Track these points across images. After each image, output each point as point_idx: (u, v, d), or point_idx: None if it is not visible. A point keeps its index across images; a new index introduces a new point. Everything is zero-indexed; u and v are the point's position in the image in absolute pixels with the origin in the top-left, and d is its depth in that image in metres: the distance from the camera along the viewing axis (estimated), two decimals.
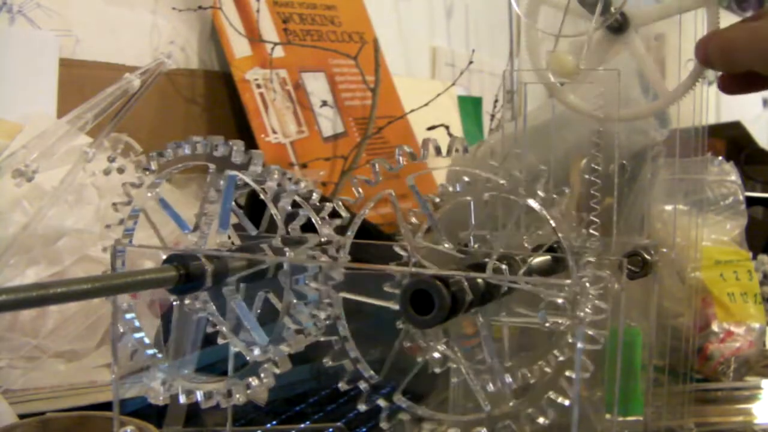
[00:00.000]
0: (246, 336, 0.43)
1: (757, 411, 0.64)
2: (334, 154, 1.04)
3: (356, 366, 0.42)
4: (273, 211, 0.42)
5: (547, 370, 0.38)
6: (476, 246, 0.41)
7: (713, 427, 0.60)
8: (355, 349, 0.42)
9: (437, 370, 0.40)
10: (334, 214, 0.43)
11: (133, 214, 0.45)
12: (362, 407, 0.42)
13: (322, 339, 0.42)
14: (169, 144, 0.43)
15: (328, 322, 0.42)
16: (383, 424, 0.41)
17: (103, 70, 0.88)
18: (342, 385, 0.42)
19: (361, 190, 0.41)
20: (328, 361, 0.42)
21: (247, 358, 0.43)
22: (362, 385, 0.42)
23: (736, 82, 0.48)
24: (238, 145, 0.42)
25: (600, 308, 0.35)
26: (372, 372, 0.42)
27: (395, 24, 1.38)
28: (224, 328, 0.43)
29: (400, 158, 0.39)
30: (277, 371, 0.42)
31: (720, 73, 0.48)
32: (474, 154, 0.40)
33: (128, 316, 0.44)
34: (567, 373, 0.36)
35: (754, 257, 0.86)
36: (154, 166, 0.44)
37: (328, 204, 0.43)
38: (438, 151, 0.39)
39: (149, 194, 0.44)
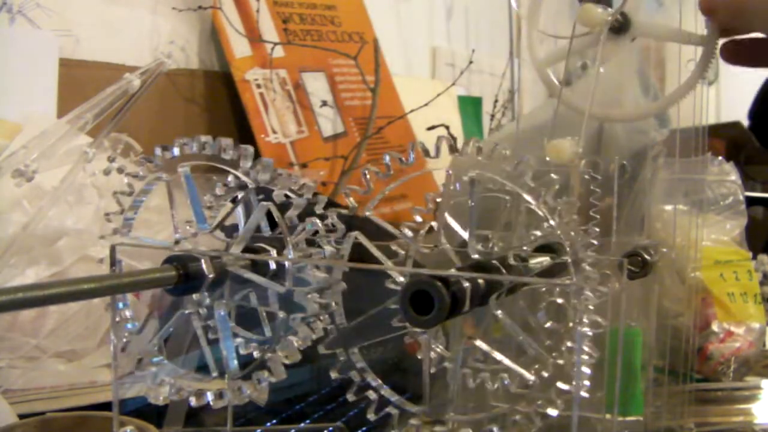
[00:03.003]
0: (245, 334, 0.43)
1: (757, 411, 0.64)
2: (334, 154, 1.04)
3: (363, 376, 0.42)
4: (278, 219, 0.41)
5: (560, 362, 0.38)
6: (478, 246, 0.41)
7: (713, 427, 0.60)
8: (361, 359, 0.42)
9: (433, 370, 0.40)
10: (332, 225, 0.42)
11: (135, 205, 0.44)
12: (372, 416, 0.42)
13: (327, 352, 0.42)
14: (175, 140, 0.43)
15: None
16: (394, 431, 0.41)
17: (103, 70, 0.88)
18: (350, 396, 0.42)
19: (371, 183, 0.40)
20: (335, 374, 0.42)
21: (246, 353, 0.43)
22: (371, 395, 0.42)
23: (741, 51, 0.46)
24: (248, 152, 0.41)
25: (599, 307, 0.35)
26: (380, 381, 0.42)
27: (395, 24, 1.38)
28: (223, 328, 0.43)
29: (390, 164, 0.39)
30: (273, 379, 0.42)
31: (724, 40, 0.46)
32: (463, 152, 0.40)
33: (122, 306, 0.44)
34: (569, 343, 0.36)
35: (754, 257, 0.86)
36: (158, 160, 0.44)
37: (330, 211, 0.42)
38: (452, 149, 0.39)
39: (180, 169, 0.43)
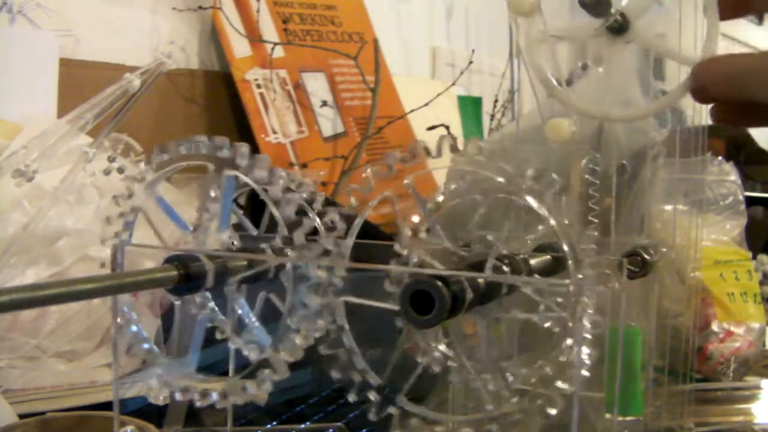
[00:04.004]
0: (246, 336, 0.43)
1: (757, 411, 0.64)
2: (334, 154, 1.04)
3: (364, 377, 0.42)
4: (276, 215, 0.41)
5: (548, 370, 0.38)
6: (477, 246, 0.41)
7: (713, 427, 0.60)
8: (362, 360, 0.42)
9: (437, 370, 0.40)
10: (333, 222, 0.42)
11: (133, 210, 0.44)
12: (372, 417, 0.41)
13: (327, 352, 0.42)
14: (171, 143, 0.43)
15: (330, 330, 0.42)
16: None
17: (104, 70, 0.88)
18: (351, 397, 0.42)
19: (355, 200, 0.41)
20: (336, 374, 0.42)
21: (250, 358, 0.43)
22: (372, 396, 0.42)
23: (736, 113, 0.47)
24: (243, 148, 0.41)
25: (599, 307, 0.35)
26: (381, 381, 0.42)
27: (395, 24, 1.38)
28: (225, 328, 0.43)
29: (393, 163, 0.39)
30: (276, 378, 0.42)
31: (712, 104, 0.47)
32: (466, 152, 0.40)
33: (126, 308, 0.44)
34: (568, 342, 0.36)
35: (754, 257, 0.86)
36: (154, 164, 0.44)
37: (330, 209, 0.42)
38: (452, 149, 0.39)
39: (148, 192, 0.44)
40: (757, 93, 0.42)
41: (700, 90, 0.44)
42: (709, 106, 0.47)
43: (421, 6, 1.47)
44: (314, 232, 0.42)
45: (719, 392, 0.65)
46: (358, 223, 0.41)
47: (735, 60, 0.43)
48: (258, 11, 1.01)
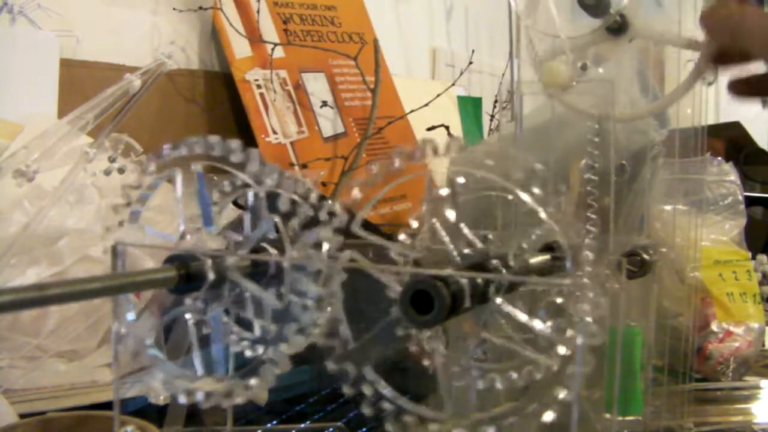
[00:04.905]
0: (247, 335, 0.44)
1: (757, 411, 0.64)
2: (334, 155, 1.05)
3: (361, 370, 0.42)
4: (275, 217, 0.42)
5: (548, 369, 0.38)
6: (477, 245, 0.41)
7: (712, 426, 0.60)
8: (372, 371, 0.42)
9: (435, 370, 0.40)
10: (331, 215, 0.42)
11: (141, 198, 0.44)
12: (367, 411, 0.41)
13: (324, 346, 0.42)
14: (184, 140, 0.43)
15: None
16: (389, 427, 0.41)
17: (104, 70, 0.88)
18: (346, 390, 0.42)
19: (359, 192, 0.40)
20: (331, 366, 0.42)
21: (249, 355, 0.43)
22: (366, 390, 0.42)
23: (747, 85, 0.47)
24: (235, 145, 0.41)
25: (599, 306, 0.36)
26: (377, 376, 0.42)
27: (395, 24, 1.39)
28: (226, 327, 0.43)
29: (396, 160, 0.39)
30: (278, 371, 0.42)
31: (730, 76, 0.47)
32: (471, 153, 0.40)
33: (129, 315, 0.44)
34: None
35: (753, 257, 0.86)
36: (152, 167, 0.44)
37: (327, 203, 0.42)
38: (435, 151, 0.39)
39: (193, 167, 0.43)
40: (748, 47, 0.43)
41: (708, 30, 0.45)
42: (726, 81, 0.48)
43: (421, 6, 1.47)
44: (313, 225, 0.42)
45: (719, 392, 0.65)
46: (358, 219, 0.41)
47: (735, 12, 0.44)
48: (258, 12, 1.01)
